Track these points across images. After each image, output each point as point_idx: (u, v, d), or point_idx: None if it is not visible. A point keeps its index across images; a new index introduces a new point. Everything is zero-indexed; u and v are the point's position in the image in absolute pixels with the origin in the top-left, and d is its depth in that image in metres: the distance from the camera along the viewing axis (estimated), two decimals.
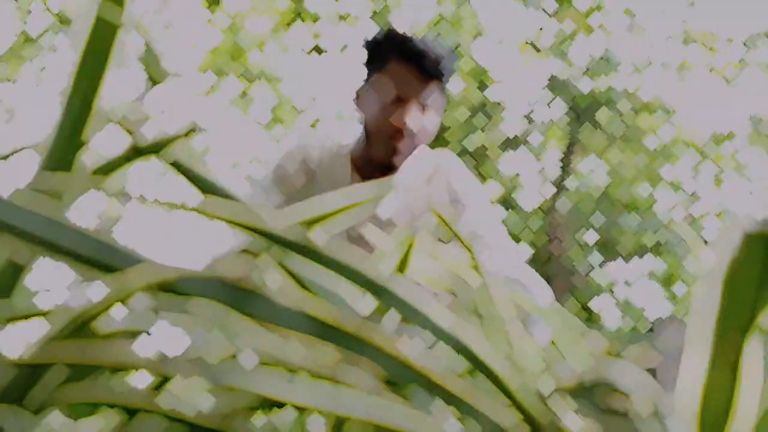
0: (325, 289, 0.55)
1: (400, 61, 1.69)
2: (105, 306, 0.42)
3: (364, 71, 1.78)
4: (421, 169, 1.80)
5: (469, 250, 0.67)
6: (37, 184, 0.50)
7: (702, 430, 0.43)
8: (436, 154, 1.87)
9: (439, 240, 1.72)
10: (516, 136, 10.28)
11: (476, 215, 1.79)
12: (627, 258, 10.55)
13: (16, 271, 0.51)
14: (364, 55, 1.79)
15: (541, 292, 1.54)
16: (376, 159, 1.72)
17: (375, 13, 9.15)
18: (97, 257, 0.44)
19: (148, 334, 0.51)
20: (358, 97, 1.77)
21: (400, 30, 1.73)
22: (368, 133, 1.73)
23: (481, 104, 9.57)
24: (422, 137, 1.72)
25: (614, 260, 10.58)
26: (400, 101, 1.68)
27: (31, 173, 0.54)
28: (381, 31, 1.77)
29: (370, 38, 1.78)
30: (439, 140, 9.69)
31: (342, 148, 1.78)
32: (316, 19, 9.44)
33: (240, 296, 0.46)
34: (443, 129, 9.43)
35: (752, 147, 10.31)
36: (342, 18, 9.40)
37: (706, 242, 9.00)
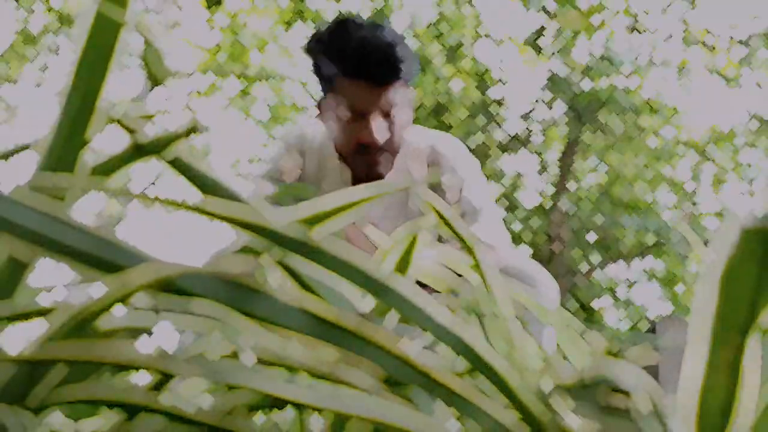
0: (326, 286, 0.55)
1: (345, 79, 1.54)
2: (107, 305, 0.43)
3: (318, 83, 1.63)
4: (417, 157, 1.68)
5: (470, 249, 0.67)
6: (36, 184, 0.50)
7: (701, 430, 0.43)
8: (434, 138, 1.72)
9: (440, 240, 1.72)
10: (517, 135, 10.28)
11: (474, 191, 1.68)
12: (628, 258, 10.55)
13: (19, 270, 0.51)
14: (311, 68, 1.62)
15: (546, 282, 1.49)
16: (359, 175, 1.60)
17: (375, 11, 9.14)
18: (99, 255, 0.44)
19: (150, 333, 0.51)
20: (320, 109, 1.64)
21: (335, 32, 1.55)
22: (338, 150, 1.63)
23: (482, 104, 9.56)
24: (396, 138, 1.58)
25: (615, 260, 10.58)
26: (360, 115, 1.54)
27: (31, 173, 0.54)
28: (312, 40, 1.60)
29: (307, 47, 1.60)
30: None
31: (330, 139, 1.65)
32: (316, 19, 9.43)
33: (241, 295, 0.46)
34: (444, 129, 9.43)
35: (752, 147, 10.31)
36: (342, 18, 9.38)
37: (706, 242, 8.99)
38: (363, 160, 1.58)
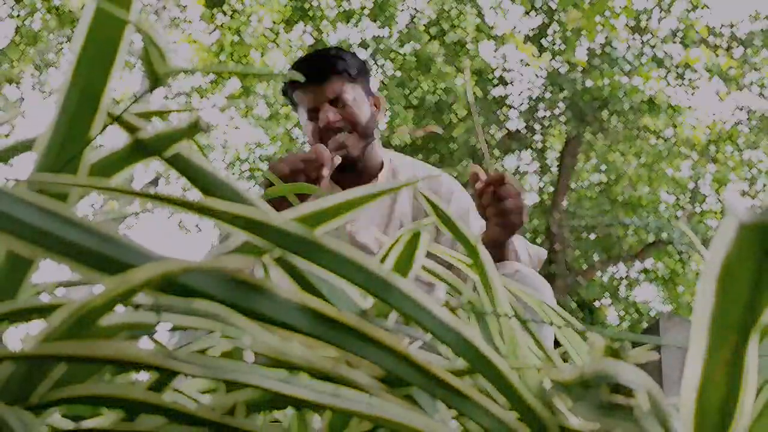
0: (329, 284, 0.55)
1: (294, 88, 1.90)
2: (109, 302, 0.43)
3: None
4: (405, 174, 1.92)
5: (472, 248, 0.67)
6: (34, 182, 0.50)
7: (699, 429, 0.43)
8: (428, 168, 1.97)
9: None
10: (518, 132, 10.27)
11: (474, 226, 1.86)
12: (628, 257, 10.55)
13: (21, 268, 0.51)
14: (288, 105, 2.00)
15: (542, 285, 1.55)
16: (339, 167, 1.80)
17: (375, 4, 9.10)
18: (102, 252, 0.44)
19: (151, 333, 0.51)
20: (305, 134, 1.94)
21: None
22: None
23: (483, 102, 9.55)
24: (358, 126, 1.84)
25: (615, 260, 10.58)
26: (315, 113, 1.86)
27: (30, 172, 0.54)
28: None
29: (282, 88, 1.99)
30: (442, 139, 9.68)
31: None
32: (317, 18, 9.42)
33: (242, 294, 0.46)
34: (446, 128, 9.42)
35: (752, 146, 10.30)
36: (343, 16, 9.39)
37: (706, 242, 8.99)
38: (332, 145, 1.83)
